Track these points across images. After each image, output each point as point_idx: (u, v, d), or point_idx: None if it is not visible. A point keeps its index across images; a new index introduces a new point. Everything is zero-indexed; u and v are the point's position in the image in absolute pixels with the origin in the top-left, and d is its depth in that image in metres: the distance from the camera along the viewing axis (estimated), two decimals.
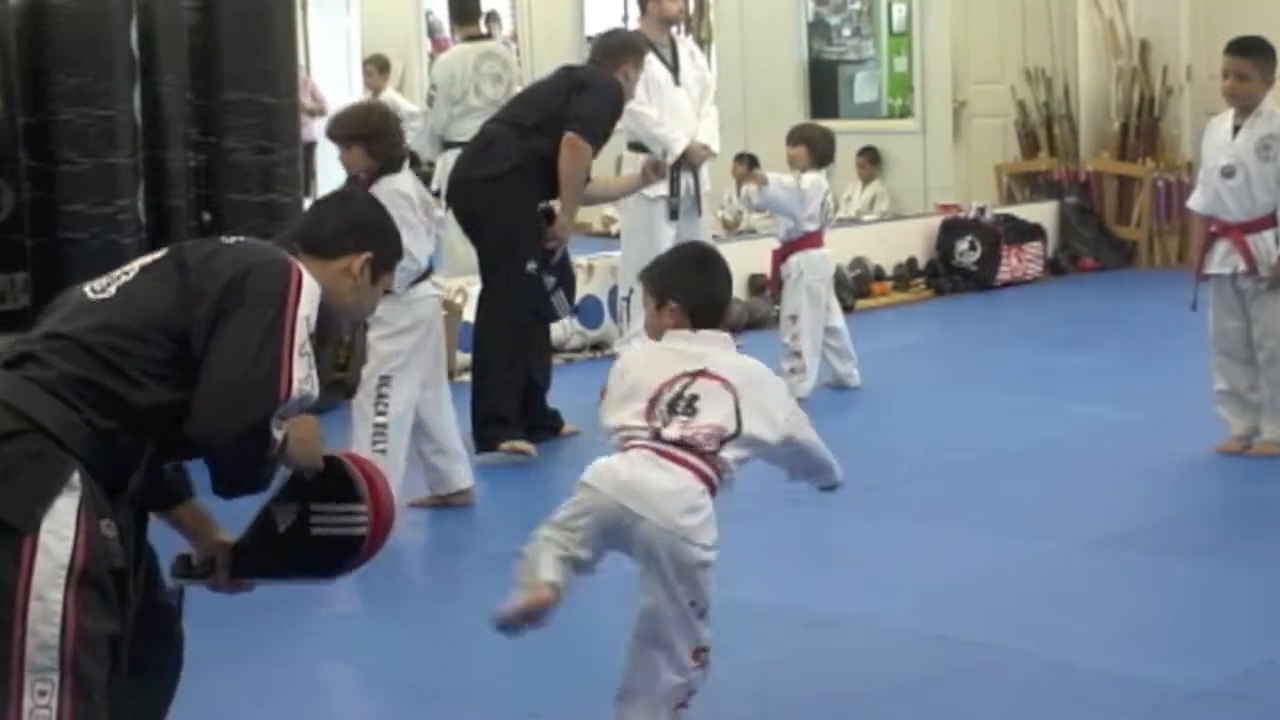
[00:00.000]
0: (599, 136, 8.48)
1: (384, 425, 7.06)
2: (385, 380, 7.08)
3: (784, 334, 9.60)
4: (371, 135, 7.10)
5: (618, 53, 8.82)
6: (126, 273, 3.68)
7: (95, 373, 3.49)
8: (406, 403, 7.13)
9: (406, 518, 7.20)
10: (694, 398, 4.49)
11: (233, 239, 3.79)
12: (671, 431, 4.44)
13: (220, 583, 3.92)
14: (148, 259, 3.74)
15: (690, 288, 4.72)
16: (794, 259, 9.56)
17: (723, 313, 4.77)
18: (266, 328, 3.53)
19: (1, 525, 3.39)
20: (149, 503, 3.75)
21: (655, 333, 4.73)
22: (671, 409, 4.48)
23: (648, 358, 4.72)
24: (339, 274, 3.81)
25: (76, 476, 3.43)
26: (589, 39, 16.80)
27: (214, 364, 3.51)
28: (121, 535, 3.53)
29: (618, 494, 4.41)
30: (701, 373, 4.53)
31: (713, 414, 4.48)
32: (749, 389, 4.57)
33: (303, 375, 3.55)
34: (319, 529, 3.79)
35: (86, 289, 3.66)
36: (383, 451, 7.02)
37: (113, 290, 3.63)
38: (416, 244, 6.97)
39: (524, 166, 8.19)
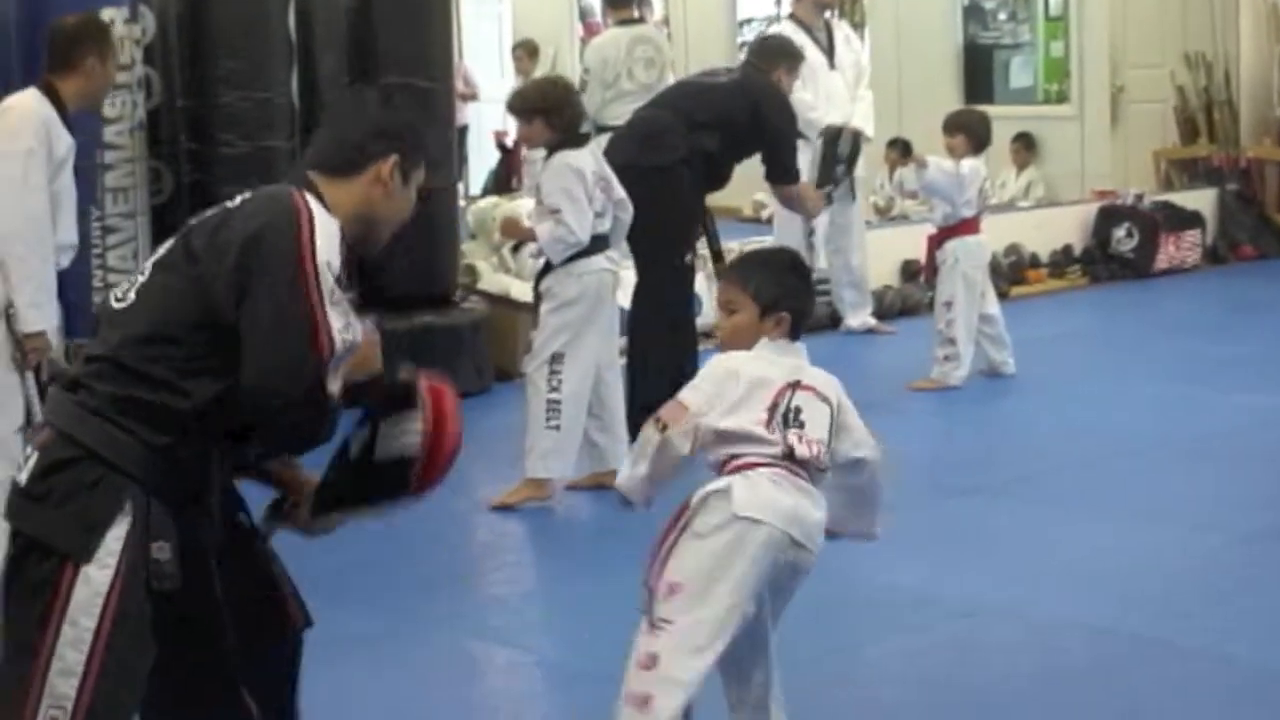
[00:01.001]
0: (797, 174, 8.69)
1: (558, 402, 7.10)
2: (558, 357, 7.14)
3: (938, 320, 9.53)
4: (551, 109, 7.17)
5: (773, 57, 8.83)
6: (143, 271, 3.59)
7: (134, 389, 3.42)
8: (581, 379, 7.19)
9: (564, 500, 7.26)
10: (798, 409, 4.17)
11: (238, 198, 3.63)
12: (803, 450, 4.13)
13: (301, 522, 3.80)
14: (161, 250, 3.63)
15: (801, 297, 4.40)
16: (950, 245, 9.48)
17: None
18: (289, 291, 3.39)
19: (47, 550, 3.37)
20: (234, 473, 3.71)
21: (748, 340, 4.28)
22: (785, 420, 4.16)
23: (754, 362, 4.26)
24: (369, 186, 3.67)
25: (130, 504, 3.39)
26: (741, 24, 16.85)
27: (250, 343, 3.40)
28: (186, 549, 3.47)
29: (787, 525, 4.10)
30: (798, 384, 4.22)
31: (817, 428, 4.18)
32: (842, 403, 4.29)
33: (340, 325, 3.43)
34: (381, 450, 3.68)
35: (112, 297, 3.59)
36: (556, 428, 7.09)
37: (131, 296, 3.53)
38: (577, 218, 7.02)
39: (690, 161, 8.18)
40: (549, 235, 7.09)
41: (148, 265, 3.59)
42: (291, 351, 3.38)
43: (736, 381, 4.18)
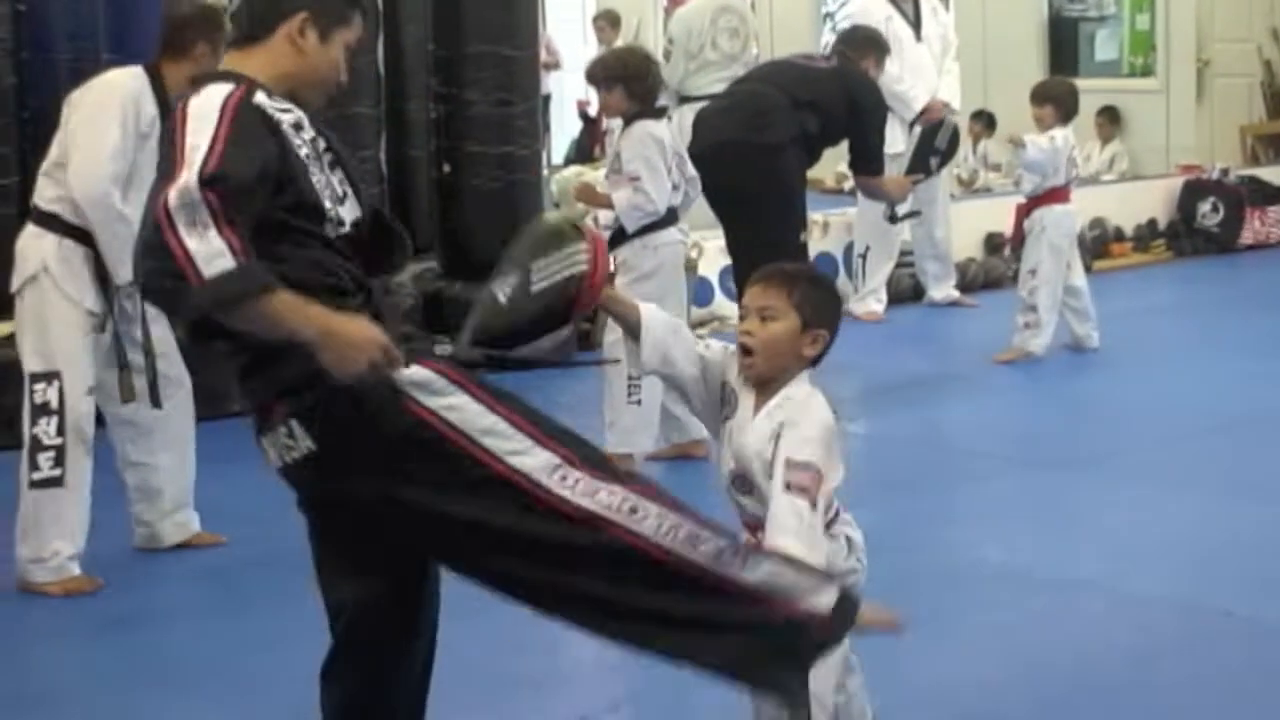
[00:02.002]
0: (882, 166, 8.61)
1: (637, 377, 7.07)
2: None
3: (1021, 287, 9.46)
4: (631, 77, 7.17)
5: (862, 47, 8.84)
6: None
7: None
8: None
9: (645, 470, 7.24)
10: None
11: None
12: None
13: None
14: None
15: (838, 321, 3.99)
16: (1038, 213, 9.39)
17: None
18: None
19: (404, 439, 3.46)
20: None
21: (784, 353, 3.85)
22: None
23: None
24: (283, 46, 3.68)
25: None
26: None
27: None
28: None
29: None
30: None
31: None
32: None
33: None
34: (541, 283, 3.70)
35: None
36: (638, 403, 7.09)
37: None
38: (657, 187, 7.02)
39: (798, 140, 8.16)
40: (627, 202, 7.07)
41: None
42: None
43: (837, 433, 3.83)
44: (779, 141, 8.07)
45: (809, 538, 3.64)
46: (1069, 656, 5.18)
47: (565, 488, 3.45)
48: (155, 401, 6.07)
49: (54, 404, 5.84)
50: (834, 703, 3.91)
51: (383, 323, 3.49)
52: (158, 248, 3.24)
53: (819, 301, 3.89)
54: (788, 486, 3.66)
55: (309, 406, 3.45)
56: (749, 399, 3.87)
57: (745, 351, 3.85)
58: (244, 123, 3.42)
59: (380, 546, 3.66)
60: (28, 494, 5.86)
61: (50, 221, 5.91)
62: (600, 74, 7.32)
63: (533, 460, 3.46)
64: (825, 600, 3.53)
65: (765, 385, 3.85)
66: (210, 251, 3.23)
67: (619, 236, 7.13)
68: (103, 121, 5.87)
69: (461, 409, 3.47)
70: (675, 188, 7.19)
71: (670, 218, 7.20)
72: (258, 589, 5.84)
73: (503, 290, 3.73)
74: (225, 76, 3.60)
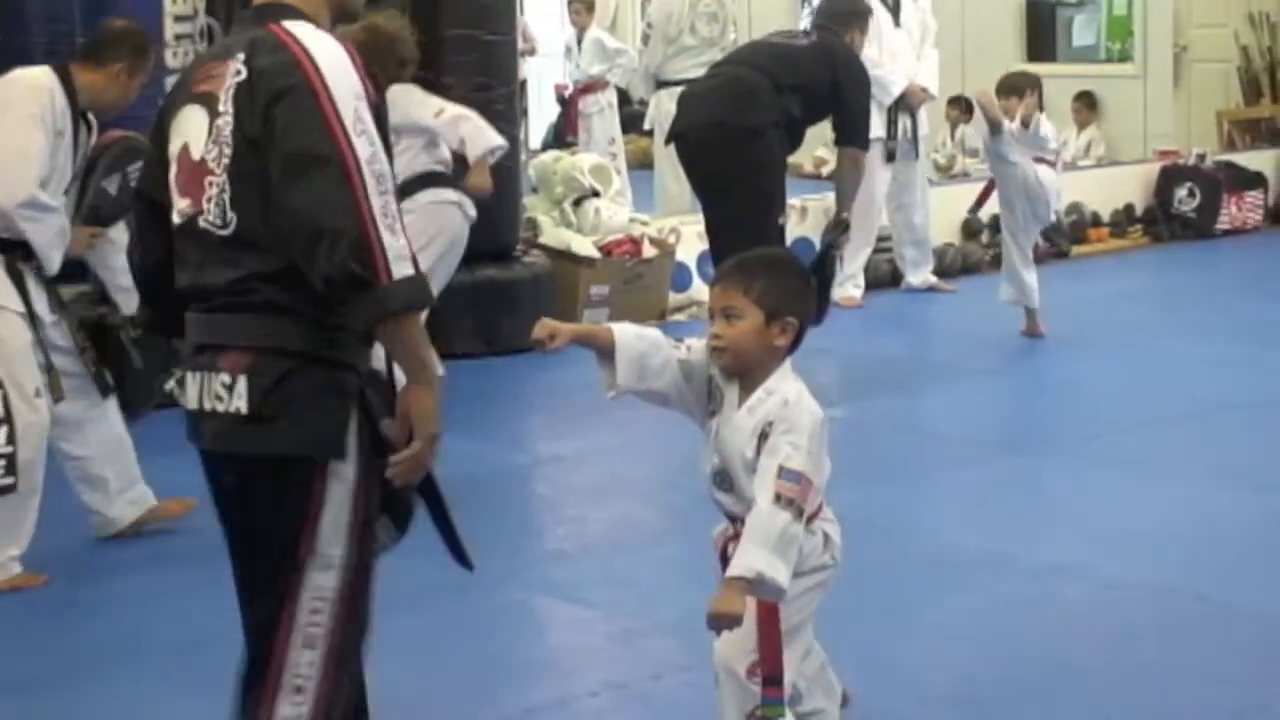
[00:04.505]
0: (868, 141, 8.57)
1: None
2: None
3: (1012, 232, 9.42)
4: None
5: (846, 19, 8.77)
6: (220, 187, 3.38)
7: (294, 289, 3.31)
8: None
9: (630, 453, 7.25)
10: None
11: (238, 62, 3.39)
12: None
13: None
14: (226, 156, 3.39)
15: (807, 302, 3.96)
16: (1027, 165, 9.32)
17: None
18: (309, 122, 3.27)
19: (296, 461, 3.34)
20: None
21: (754, 350, 3.83)
22: None
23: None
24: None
25: (353, 393, 3.37)
26: None
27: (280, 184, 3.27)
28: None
29: None
30: None
31: None
32: None
33: (367, 155, 3.26)
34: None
35: (203, 221, 3.41)
36: None
37: (233, 216, 3.38)
38: None
39: (780, 124, 8.13)
40: None
41: (222, 178, 3.36)
42: (323, 191, 3.21)
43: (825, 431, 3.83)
44: (761, 125, 8.05)
45: (783, 552, 3.62)
46: (1045, 641, 5.20)
47: (306, 621, 3.39)
48: (103, 390, 6.13)
49: (1, 412, 5.84)
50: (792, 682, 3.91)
51: None
52: (357, 237, 3.18)
53: (782, 290, 3.85)
54: (777, 498, 3.65)
55: (276, 377, 3.33)
56: (733, 393, 3.88)
57: (717, 351, 3.86)
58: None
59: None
60: None
61: None
62: None
63: (324, 580, 3.39)
64: None
65: (746, 378, 3.85)
66: (399, 251, 3.22)
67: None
68: (25, 128, 5.87)
69: (338, 505, 3.38)
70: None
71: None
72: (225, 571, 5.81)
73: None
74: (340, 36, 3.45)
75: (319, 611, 3.39)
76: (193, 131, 3.42)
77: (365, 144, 3.24)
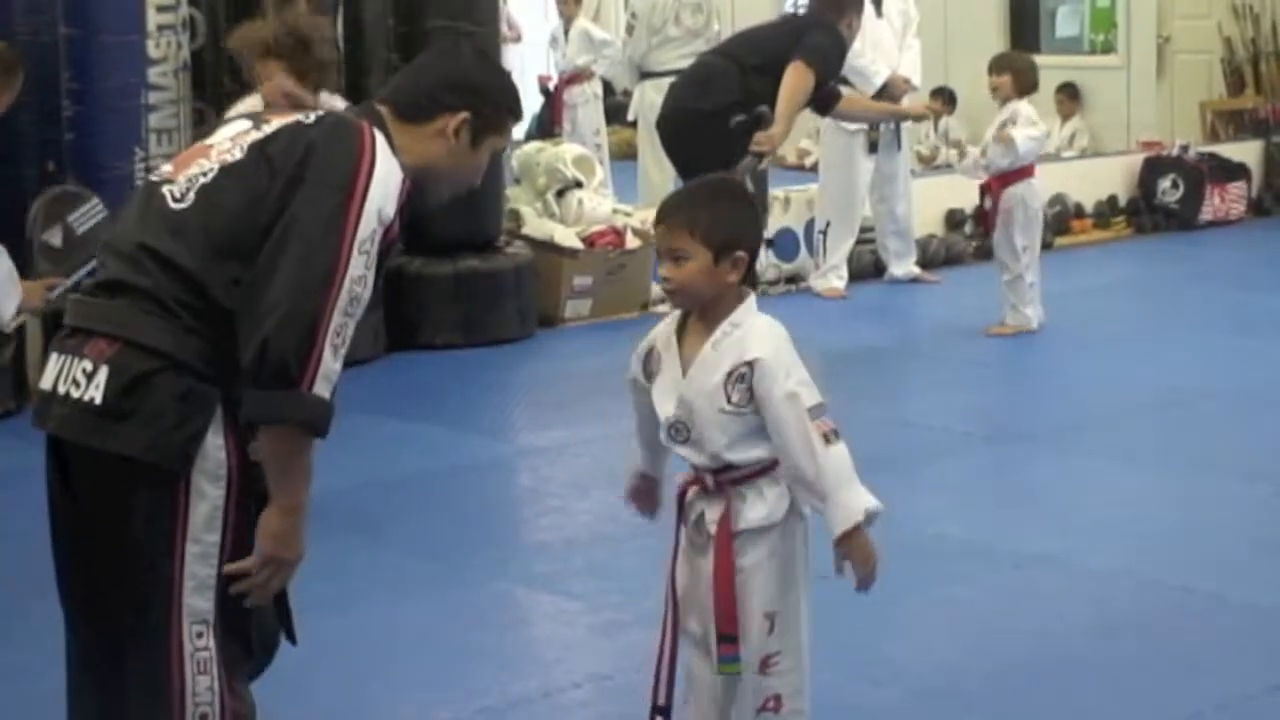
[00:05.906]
0: (824, 72, 8.52)
1: None
2: None
3: (1009, 268, 9.27)
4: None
5: (839, 5, 8.76)
6: (204, 172, 3.37)
7: (199, 293, 3.25)
8: None
9: (608, 446, 7.24)
10: None
11: (311, 115, 3.44)
12: None
13: None
14: (228, 155, 3.38)
15: (754, 231, 3.92)
16: (1015, 190, 9.24)
17: None
18: (328, 217, 3.23)
19: (154, 470, 3.23)
20: None
21: (705, 291, 3.73)
22: None
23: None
24: (433, 137, 3.49)
25: (219, 409, 3.26)
26: None
27: (269, 253, 3.22)
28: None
29: None
30: None
31: None
32: None
33: (356, 275, 3.22)
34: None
35: (169, 195, 3.35)
36: None
37: (192, 197, 3.33)
38: None
39: (743, 104, 8.20)
40: None
41: (212, 167, 3.36)
42: (305, 276, 3.19)
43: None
44: (718, 107, 8.26)
45: (857, 479, 3.74)
46: (1027, 631, 5.20)
47: (193, 647, 3.29)
48: None
49: None
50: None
51: None
52: (306, 333, 3.17)
53: (728, 223, 3.74)
54: (825, 439, 3.68)
55: (136, 374, 3.23)
56: (674, 352, 3.79)
57: (670, 293, 3.82)
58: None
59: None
60: None
61: None
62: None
63: (201, 604, 3.30)
64: None
65: (706, 313, 3.76)
66: (329, 373, 3.20)
67: None
68: None
69: (207, 512, 3.28)
70: None
71: None
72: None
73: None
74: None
75: (203, 635, 3.30)
76: (225, 133, 3.44)
77: (361, 264, 3.24)
